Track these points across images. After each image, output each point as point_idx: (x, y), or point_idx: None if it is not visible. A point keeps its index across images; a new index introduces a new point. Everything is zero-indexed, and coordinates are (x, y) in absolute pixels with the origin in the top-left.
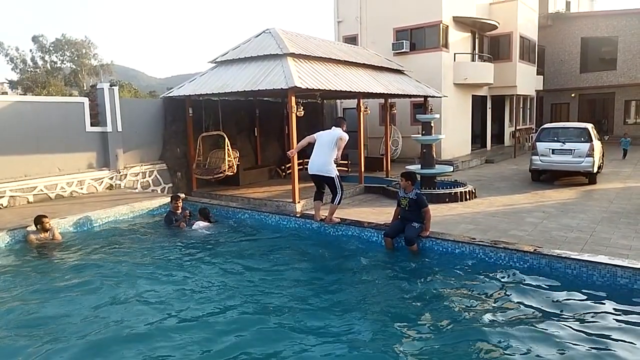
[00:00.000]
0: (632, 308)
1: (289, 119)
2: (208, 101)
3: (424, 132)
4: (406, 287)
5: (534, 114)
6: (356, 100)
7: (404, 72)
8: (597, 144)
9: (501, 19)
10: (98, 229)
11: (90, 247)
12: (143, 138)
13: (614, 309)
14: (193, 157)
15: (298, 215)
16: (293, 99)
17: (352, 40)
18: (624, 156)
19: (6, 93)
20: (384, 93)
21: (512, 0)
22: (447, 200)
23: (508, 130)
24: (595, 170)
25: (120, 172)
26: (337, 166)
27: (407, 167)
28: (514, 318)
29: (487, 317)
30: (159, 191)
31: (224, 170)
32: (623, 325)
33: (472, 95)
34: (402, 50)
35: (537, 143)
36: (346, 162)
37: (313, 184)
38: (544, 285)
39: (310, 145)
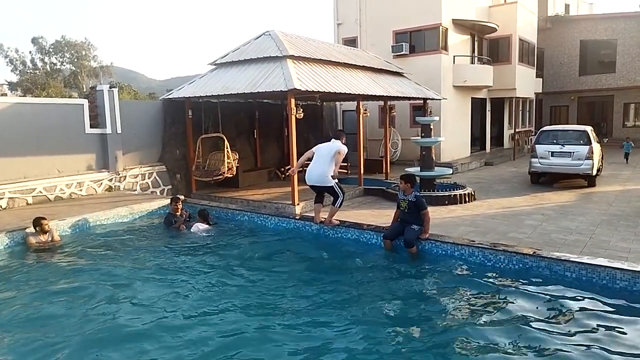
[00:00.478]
0: (630, 311)
1: (289, 121)
2: (208, 103)
3: (423, 134)
4: (405, 289)
5: (533, 116)
6: (356, 102)
7: (404, 74)
8: (597, 147)
9: (500, 21)
10: (97, 231)
11: (89, 249)
12: (142, 140)
13: (613, 311)
14: (192, 159)
15: (297, 217)
16: (292, 101)
17: (351, 42)
18: (626, 160)
19: (6, 95)
20: (383, 95)
21: (511, 3)
22: (446, 202)
23: (507, 132)
24: (595, 172)
25: (119, 174)
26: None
27: (406, 169)
28: (513, 320)
29: (486, 319)
30: (158, 193)
31: (224, 172)
32: (622, 328)
33: (472, 98)
34: (402, 53)
35: (537, 145)
36: (346, 164)
37: None
38: (543, 288)
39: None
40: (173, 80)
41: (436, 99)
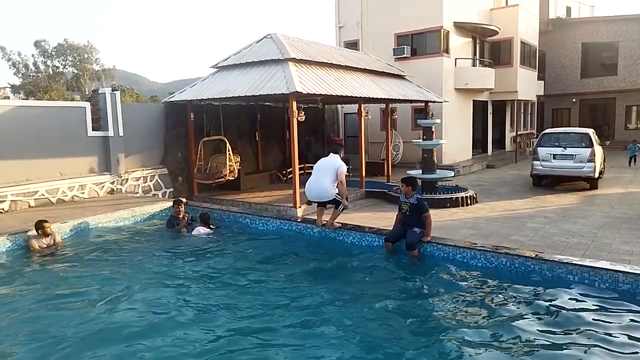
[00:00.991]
0: (633, 313)
1: (290, 124)
2: (209, 106)
3: (425, 137)
4: (406, 292)
5: (535, 119)
6: (357, 105)
7: (405, 77)
8: (599, 149)
9: (502, 24)
10: (99, 234)
11: (91, 252)
12: (144, 142)
13: (616, 314)
14: (194, 162)
15: (299, 220)
16: (294, 103)
17: (353, 45)
18: (632, 163)
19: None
20: (385, 98)
21: (512, 5)
22: (448, 205)
23: (509, 135)
24: (597, 175)
25: (121, 177)
26: None
27: (408, 172)
28: (514, 323)
29: (488, 321)
30: (160, 196)
31: (225, 175)
32: (624, 331)
33: (473, 101)
34: (403, 56)
35: (538, 148)
36: (347, 167)
37: None
38: (545, 291)
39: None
40: (175, 83)
41: (438, 102)
